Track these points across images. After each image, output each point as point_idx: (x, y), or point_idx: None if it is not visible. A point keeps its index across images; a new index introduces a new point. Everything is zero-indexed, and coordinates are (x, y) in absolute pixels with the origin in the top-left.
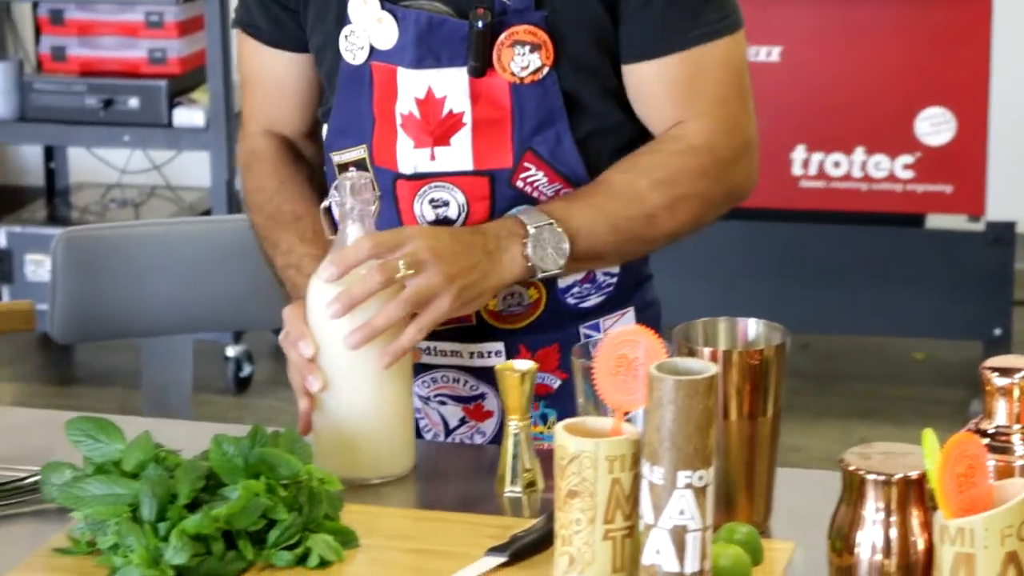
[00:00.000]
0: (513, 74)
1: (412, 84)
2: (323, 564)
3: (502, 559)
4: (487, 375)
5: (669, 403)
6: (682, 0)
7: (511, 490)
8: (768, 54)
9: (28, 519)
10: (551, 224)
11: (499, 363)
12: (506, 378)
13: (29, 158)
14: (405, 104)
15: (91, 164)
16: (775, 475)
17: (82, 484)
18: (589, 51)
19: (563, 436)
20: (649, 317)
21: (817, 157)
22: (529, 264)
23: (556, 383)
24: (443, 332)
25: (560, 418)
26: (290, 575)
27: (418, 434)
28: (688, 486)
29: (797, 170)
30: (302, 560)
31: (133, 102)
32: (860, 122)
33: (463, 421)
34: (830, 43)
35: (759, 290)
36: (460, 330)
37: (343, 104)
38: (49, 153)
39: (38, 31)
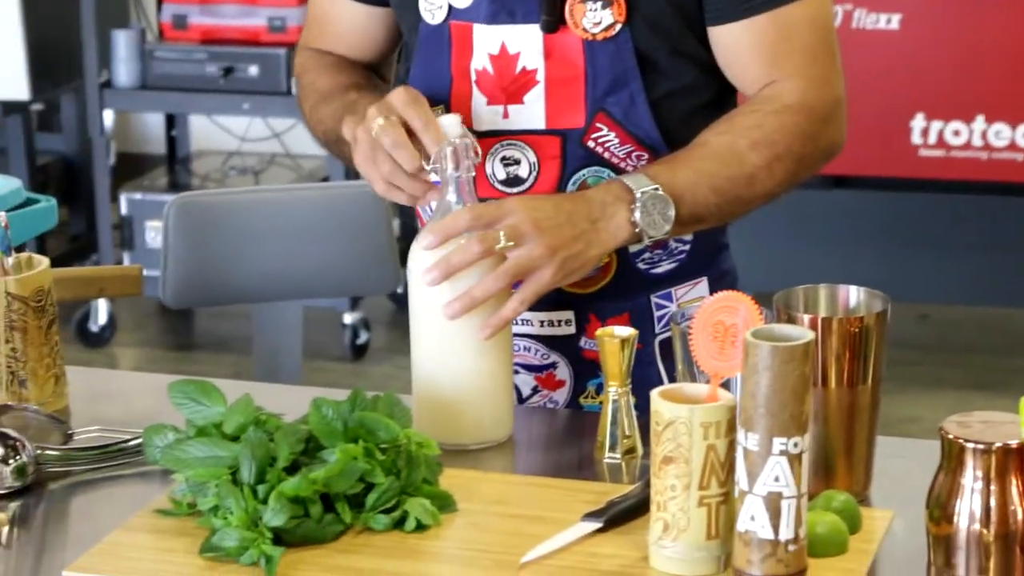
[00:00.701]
0: (585, 30)
1: (486, 40)
2: (420, 527)
3: (598, 524)
4: (558, 344)
5: (765, 369)
6: None
7: (610, 456)
8: (887, 21)
9: (133, 480)
10: (656, 188)
11: (568, 332)
12: (606, 344)
13: (152, 126)
14: (480, 60)
15: (212, 132)
16: (875, 444)
17: (183, 446)
18: (664, 10)
19: (658, 402)
20: (723, 287)
21: (936, 125)
22: (636, 230)
23: None
24: None
25: (633, 389)
26: (387, 538)
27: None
28: (783, 453)
29: (916, 139)
30: (399, 523)
31: (253, 70)
32: (980, 90)
33: (535, 390)
34: (950, 10)
35: (877, 260)
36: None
37: (423, 64)
38: (171, 121)
39: None
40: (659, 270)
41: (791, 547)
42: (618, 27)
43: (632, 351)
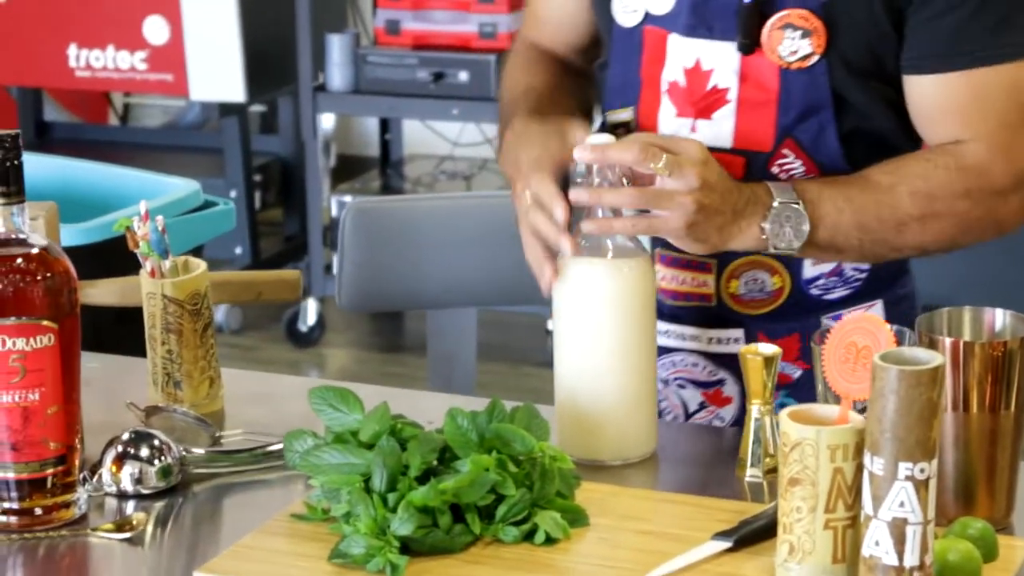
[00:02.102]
0: (780, 57)
1: (681, 52)
2: (549, 541)
3: (727, 544)
4: (726, 361)
5: (891, 393)
6: (983, 17)
7: (752, 474)
8: None
9: (276, 484)
10: (797, 204)
11: (737, 350)
12: (748, 361)
13: (369, 129)
14: (672, 71)
15: (425, 136)
16: (1019, 471)
17: (320, 452)
18: (862, 49)
19: (787, 423)
20: (900, 311)
21: None
22: (763, 237)
23: (797, 373)
24: (683, 315)
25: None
26: (515, 551)
27: (660, 416)
28: (908, 478)
29: None
30: (529, 536)
31: (463, 76)
32: None
33: (702, 406)
34: None
35: None
36: (700, 313)
37: (615, 65)
38: (385, 124)
39: (375, 4)
40: (832, 296)
41: (916, 574)
42: (815, 58)
43: (775, 369)
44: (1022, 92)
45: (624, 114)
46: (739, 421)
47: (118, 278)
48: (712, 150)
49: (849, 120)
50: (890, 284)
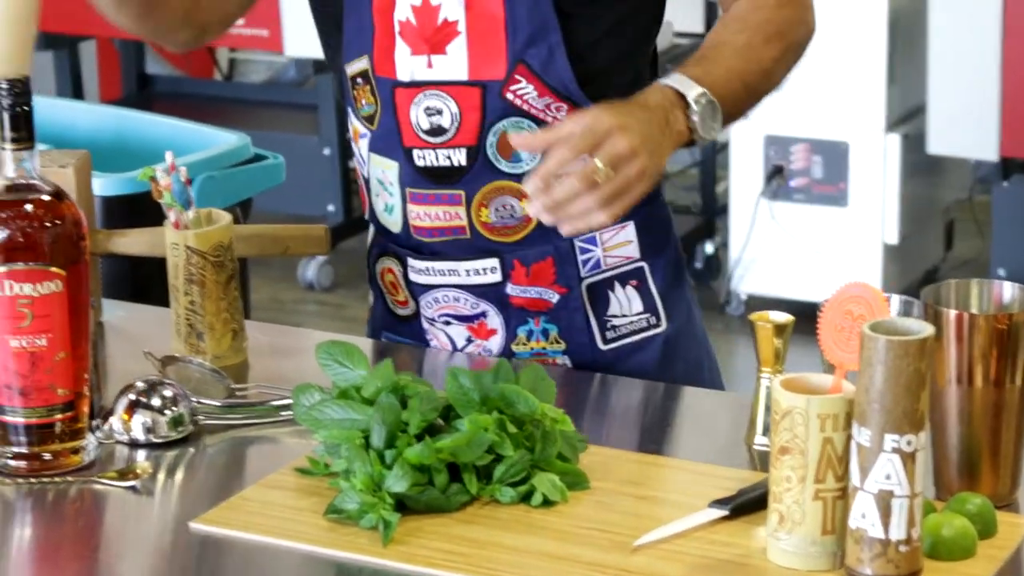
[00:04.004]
0: None
1: None
2: (547, 503)
3: (724, 512)
4: (486, 293)
5: (878, 363)
6: None
7: (760, 442)
8: None
9: (287, 438)
10: (705, 93)
11: (495, 280)
12: (759, 329)
13: None
14: (402, 11)
15: None
16: None
17: (323, 408)
18: None
19: (777, 391)
20: (654, 235)
21: None
22: (691, 136)
23: (555, 298)
24: (441, 250)
25: (561, 333)
26: (511, 511)
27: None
28: (895, 450)
29: None
30: (527, 499)
31: None
32: None
33: (469, 340)
34: None
35: None
36: (456, 246)
37: (349, 16)
38: None
39: None
40: None
41: (902, 548)
42: None
43: (788, 337)
44: None
45: (360, 63)
46: (504, 353)
47: (148, 228)
48: (449, 83)
49: (579, 38)
50: (643, 205)
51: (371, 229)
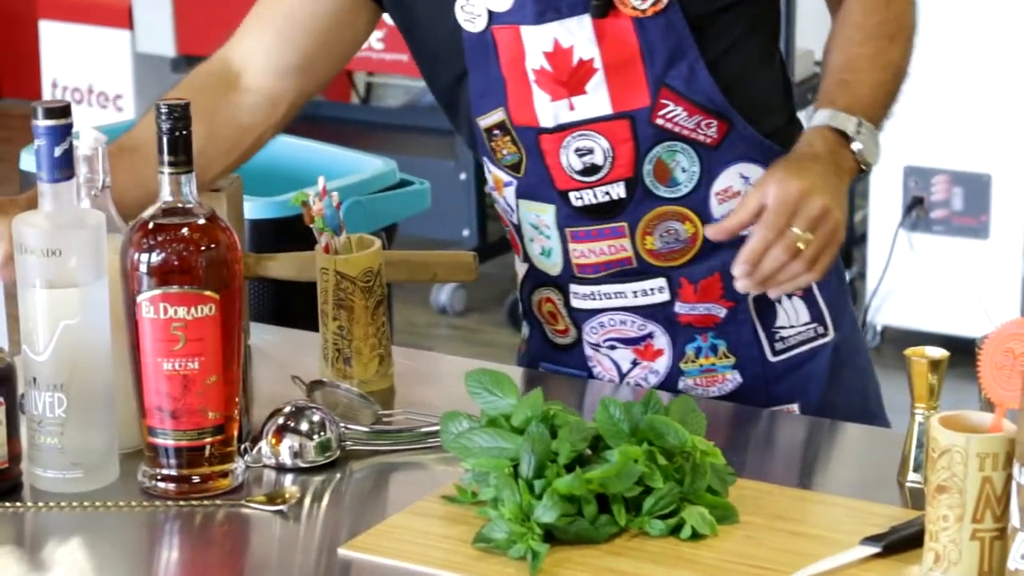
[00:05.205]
0: (634, 8)
1: (538, 39)
2: (696, 536)
3: (876, 549)
4: (652, 313)
5: None
6: None
7: (913, 479)
8: None
9: (435, 465)
10: (860, 122)
11: (663, 300)
12: (913, 364)
13: None
14: (534, 60)
15: None
16: None
17: (472, 436)
18: None
19: (936, 429)
20: None
21: None
22: (862, 168)
23: (722, 312)
24: (605, 276)
25: (730, 348)
26: (660, 544)
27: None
28: None
29: None
30: (676, 531)
31: None
32: None
33: (635, 363)
34: None
35: None
36: (621, 273)
37: (474, 70)
38: None
39: None
40: (745, 232)
41: None
42: (665, 0)
43: (943, 373)
44: None
45: (495, 116)
46: (672, 373)
47: (297, 252)
48: (594, 120)
49: (714, 47)
50: None
51: (521, 267)
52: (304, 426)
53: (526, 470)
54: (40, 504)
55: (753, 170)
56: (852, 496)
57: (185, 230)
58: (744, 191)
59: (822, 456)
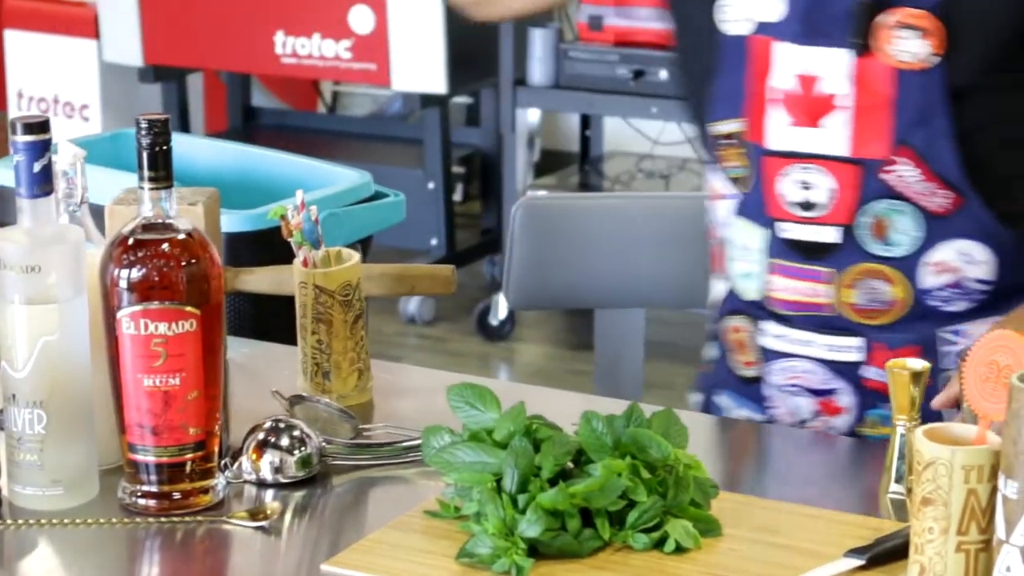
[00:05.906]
0: (895, 58)
1: (791, 59)
2: (679, 550)
3: (859, 562)
4: (842, 371)
5: None
6: None
7: (894, 491)
8: None
9: (415, 479)
10: None
11: (855, 359)
12: (896, 376)
13: (572, 124)
14: (781, 79)
15: (627, 133)
16: None
17: (454, 450)
18: (995, 44)
19: (920, 441)
20: None
21: None
22: None
23: None
24: (799, 320)
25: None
26: (644, 558)
27: (770, 422)
28: None
29: None
30: (659, 544)
31: (663, 74)
32: None
33: (815, 415)
34: None
35: None
36: (817, 319)
37: (726, 74)
38: (585, 120)
39: None
40: (952, 308)
41: None
42: (934, 60)
43: (924, 385)
44: None
45: (731, 125)
46: (850, 433)
47: (274, 266)
48: (828, 157)
49: (967, 120)
50: (1014, 298)
51: (718, 286)
52: (285, 441)
53: (509, 484)
54: (20, 521)
55: (975, 248)
56: (835, 508)
57: (165, 246)
58: (960, 268)
59: (805, 468)
